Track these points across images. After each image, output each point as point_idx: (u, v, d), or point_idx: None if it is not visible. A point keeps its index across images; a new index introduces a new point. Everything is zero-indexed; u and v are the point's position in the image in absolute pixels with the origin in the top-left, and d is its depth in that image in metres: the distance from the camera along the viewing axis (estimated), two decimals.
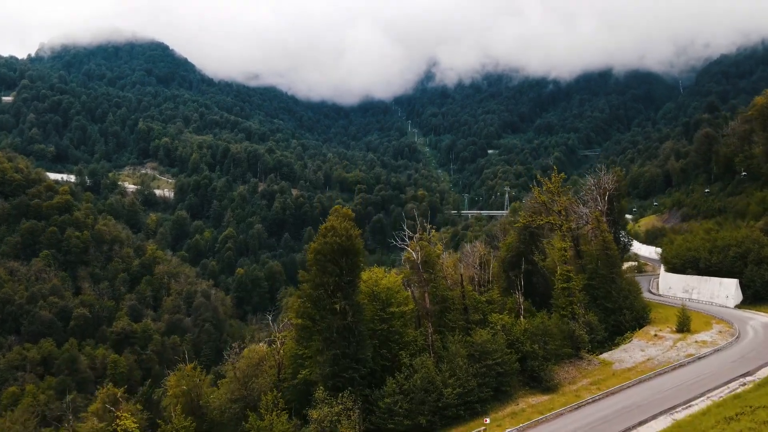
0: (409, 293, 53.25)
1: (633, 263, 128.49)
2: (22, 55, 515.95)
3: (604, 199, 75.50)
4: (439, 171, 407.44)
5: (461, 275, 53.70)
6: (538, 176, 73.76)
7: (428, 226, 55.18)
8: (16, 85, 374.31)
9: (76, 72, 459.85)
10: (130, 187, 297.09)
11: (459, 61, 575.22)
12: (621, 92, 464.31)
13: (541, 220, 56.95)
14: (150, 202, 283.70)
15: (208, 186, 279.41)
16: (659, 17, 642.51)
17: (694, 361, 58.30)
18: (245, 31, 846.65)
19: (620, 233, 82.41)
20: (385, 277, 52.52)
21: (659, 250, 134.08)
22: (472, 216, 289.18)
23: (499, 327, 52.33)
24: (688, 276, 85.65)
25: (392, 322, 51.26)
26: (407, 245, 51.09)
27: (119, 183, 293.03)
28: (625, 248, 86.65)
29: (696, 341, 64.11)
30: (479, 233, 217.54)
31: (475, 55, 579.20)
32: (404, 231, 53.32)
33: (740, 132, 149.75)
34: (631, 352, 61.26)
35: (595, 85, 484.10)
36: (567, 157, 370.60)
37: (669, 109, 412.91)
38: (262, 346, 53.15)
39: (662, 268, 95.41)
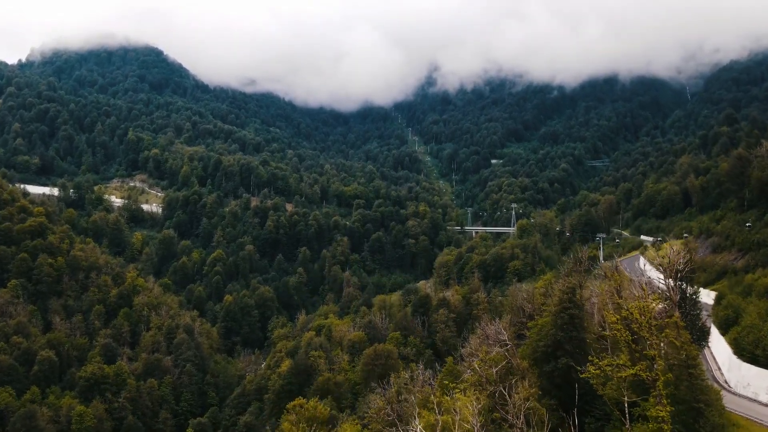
0: None
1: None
2: (13, 60, 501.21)
3: (676, 283, 57.01)
4: (441, 182, 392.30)
5: None
6: (618, 299, 45.73)
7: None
8: (3, 93, 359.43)
9: (67, 78, 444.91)
10: (117, 201, 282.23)
11: (461, 66, 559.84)
12: (627, 99, 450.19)
13: (626, 370, 37.64)
14: (137, 218, 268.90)
15: (198, 202, 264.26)
16: (667, 21, 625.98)
17: None
18: (242, 36, 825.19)
19: (694, 320, 62.24)
20: None
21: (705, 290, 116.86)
22: (476, 233, 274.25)
23: None
24: None
25: None
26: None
27: (105, 197, 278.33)
28: (702, 336, 65.84)
29: None
30: (485, 256, 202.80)
31: (477, 60, 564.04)
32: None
33: None
34: None
35: (601, 91, 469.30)
36: (574, 169, 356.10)
37: (678, 117, 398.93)
38: None
39: (720, 336, 77.81)
